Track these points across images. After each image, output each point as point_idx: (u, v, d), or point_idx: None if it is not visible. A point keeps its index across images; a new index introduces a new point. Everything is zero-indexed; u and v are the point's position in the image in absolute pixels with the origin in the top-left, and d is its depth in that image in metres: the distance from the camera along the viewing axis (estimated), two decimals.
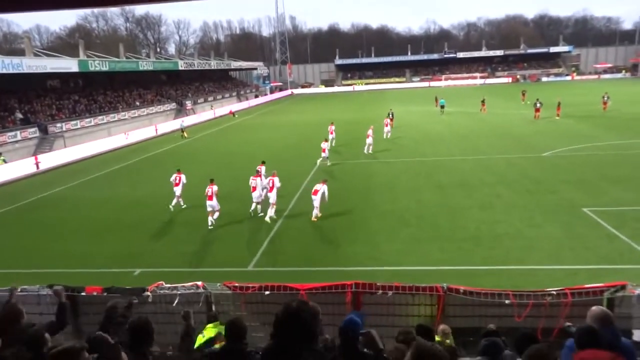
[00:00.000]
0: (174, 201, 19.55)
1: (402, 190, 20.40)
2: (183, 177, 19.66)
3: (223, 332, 6.60)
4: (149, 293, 7.40)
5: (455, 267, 12.44)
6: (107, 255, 14.71)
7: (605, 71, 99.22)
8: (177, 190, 19.52)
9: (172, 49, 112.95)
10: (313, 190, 17.19)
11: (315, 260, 13.56)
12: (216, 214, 17.14)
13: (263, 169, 20.00)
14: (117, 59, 52.52)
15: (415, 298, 7.59)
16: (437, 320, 7.41)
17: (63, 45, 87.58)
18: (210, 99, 70.60)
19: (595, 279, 9.24)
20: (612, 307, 7.26)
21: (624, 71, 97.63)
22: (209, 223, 16.92)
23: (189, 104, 61.36)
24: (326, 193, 17.01)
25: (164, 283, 7.63)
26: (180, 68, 65.78)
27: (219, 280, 8.36)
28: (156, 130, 46.62)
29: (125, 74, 54.47)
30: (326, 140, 27.25)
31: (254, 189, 17.82)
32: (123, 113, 47.48)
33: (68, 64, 42.15)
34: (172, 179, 19.90)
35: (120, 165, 30.94)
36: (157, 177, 26.39)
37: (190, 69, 69.81)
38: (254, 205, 17.98)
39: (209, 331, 6.32)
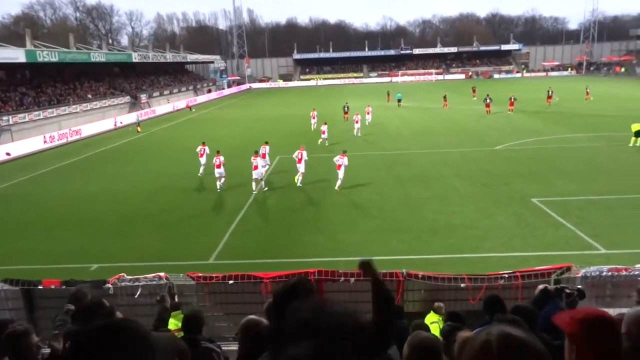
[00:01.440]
0: (201, 170, 22.94)
1: (363, 183, 20.72)
2: (207, 148, 23.17)
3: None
4: (109, 285, 7.31)
5: (413, 257, 12.81)
6: (61, 252, 14.28)
7: (552, 69, 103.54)
8: (202, 160, 23.09)
9: (124, 40, 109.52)
10: (337, 165, 19.60)
11: (277, 251, 13.64)
12: (222, 180, 20.32)
13: (267, 148, 23.15)
14: (67, 50, 50.45)
15: None
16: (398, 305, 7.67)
17: (7, 34, 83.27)
18: (166, 92, 69.02)
19: (543, 265, 9.74)
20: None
21: (569, 69, 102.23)
22: (218, 188, 20.22)
23: (143, 97, 59.80)
24: (346, 163, 19.57)
25: (125, 275, 7.56)
26: (134, 60, 63.90)
27: (180, 273, 8.35)
28: (115, 123, 45.44)
29: (75, 66, 52.44)
30: (325, 124, 31.01)
31: (255, 167, 19.63)
32: (74, 106, 45.75)
33: (14, 54, 40.16)
34: (197, 149, 23.56)
35: (72, 160, 29.89)
36: (110, 171, 25.74)
37: (145, 61, 67.96)
38: (254, 184, 19.86)
39: (174, 319, 6.32)
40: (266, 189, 20.23)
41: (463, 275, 7.80)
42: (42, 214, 18.52)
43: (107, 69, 61.40)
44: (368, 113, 37.91)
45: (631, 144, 25.50)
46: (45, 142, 35.49)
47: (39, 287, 7.45)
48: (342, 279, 7.82)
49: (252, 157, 19.84)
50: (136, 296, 7.32)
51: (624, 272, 7.67)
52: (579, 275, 7.65)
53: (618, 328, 2.27)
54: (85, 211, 18.51)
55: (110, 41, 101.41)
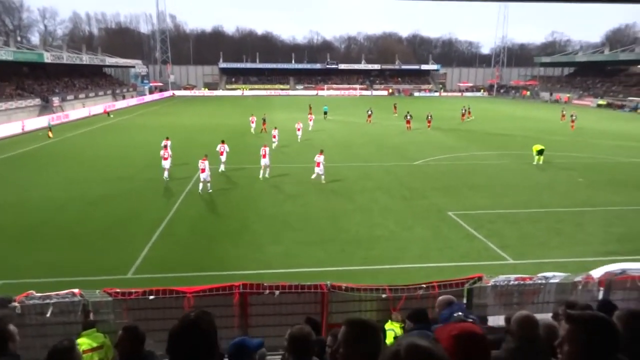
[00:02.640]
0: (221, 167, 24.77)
1: (287, 195, 20.82)
2: (226, 146, 25.32)
3: (105, 341, 6.29)
4: (16, 304, 6.75)
5: (337, 268, 13.07)
6: None
7: (467, 89, 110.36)
8: (223, 157, 25.09)
9: (35, 38, 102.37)
10: (316, 163, 22.87)
11: (199, 265, 13.34)
12: (222, 166, 24.57)
13: (226, 146, 25.37)
14: None
15: (300, 296, 7.90)
16: (323, 317, 7.79)
17: None
18: (81, 96, 65.30)
19: (457, 275, 10.32)
20: (470, 297, 8.29)
21: (482, 90, 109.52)
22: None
23: (56, 100, 56.14)
24: (323, 161, 22.99)
25: (34, 292, 7.02)
26: (46, 60, 59.88)
27: (96, 289, 7.90)
28: (23, 127, 42.30)
29: None
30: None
31: (203, 170, 20.73)
32: None
33: None
34: (217, 148, 25.12)
35: None
36: (16, 179, 23.84)
37: (59, 62, 63.92)
38: (201, 185, 20.99)
39: (87, 339, 5.98)
40: (211, 190, 21.17)
41: (384, 286, 8.08)
42: None
43: (15, 69, 57.08)
44: (299, 130, 36.91)
45: (535, 162, 27.76)
46: None
47: None
48: (267, 291, 7.80)
49: (200, 160, 20.84)
50: (47, 315, 6.82)
51: (529, 281, 8.33)
52: (490, 284, 8.19)
53: (487, 345, 2.54)
54: None
55: (19, 38, 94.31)
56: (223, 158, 25.13)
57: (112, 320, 7.36)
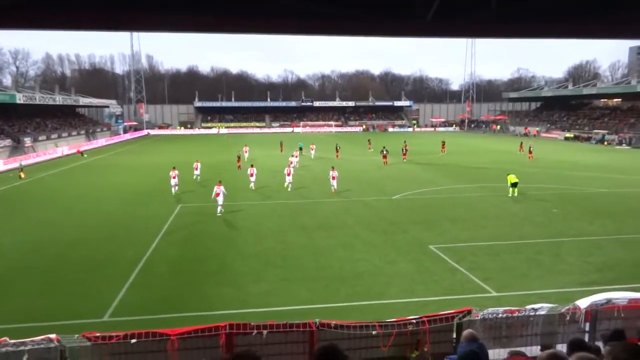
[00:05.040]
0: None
1: (266, 233, 20.57)
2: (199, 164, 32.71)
3: None
4: None
5: (322, 305, 12.83)
6: None
7: (440, 124, 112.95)
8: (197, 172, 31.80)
9: (7, 80, 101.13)
10: (331, 177, 29.62)
11: (180, 305, 12.93)
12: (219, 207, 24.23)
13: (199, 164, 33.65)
14: None
15: (288, 335, 7.67)
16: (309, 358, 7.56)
17: None
18: (54, 136, 64.25)
19: (443, 308, 10.24)
20: (460, 331, 8.18)
21: (454, 125, 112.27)
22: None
23: (28, 140, 55.10)
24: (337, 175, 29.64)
25: (8, 339, 6.64)
26: (18, 101, 58.97)
27: (74, 334, 7.53)
28: None
29: None
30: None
31: (217, 194, 23.88)
32: None
33: None
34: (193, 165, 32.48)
35: None
36: None
37: (31, 102, 63.07)
38: (219, 208, 23.91)
39: None
40: (223, 211, 23.96)
41: (374, 322, 7.92)
42: None
43: None
44: (289, 174, 32.63)
45: (510, 195, 28.25)
46: None
47: None
48: (255, 331, 7.56)
49: (216, 186, 24.25)
50: None
51: (517, 314, 8.29)
52: (479, 317, 8.12)
53: None
54: None
55: None
56: (197, 172, 34.06)
57: None
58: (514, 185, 28.32)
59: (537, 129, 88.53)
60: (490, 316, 8.38)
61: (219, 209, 23.94)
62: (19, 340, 6.74)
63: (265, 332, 7.66)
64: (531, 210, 24.82)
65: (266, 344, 7.67)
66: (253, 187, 30.84)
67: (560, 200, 26.94)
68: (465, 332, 6.03)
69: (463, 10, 7.30)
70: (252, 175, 31.16)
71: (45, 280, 15.00)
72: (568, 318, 8.42)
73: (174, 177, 28.95)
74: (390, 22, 7.48)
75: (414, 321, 8.09)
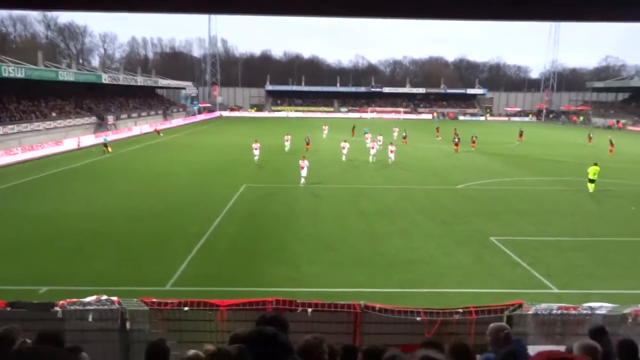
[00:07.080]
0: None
1: (325, 216, 20.80)
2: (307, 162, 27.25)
3: None
4: (58, 309, 7.02)
5: (373, 289, 12.87)
6: (7, 274, 13.66)
7: (515, 114, 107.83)
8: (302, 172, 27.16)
9: (95, 61, 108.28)
10: (300, 167, 26.74)
11: (235, 280, 13.46)
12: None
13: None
14: (34, 67, 49.53)
15: (333, 315, 7.81)
16: (356, 337, 7.67)
17: None
18: (134, 115, 68.23)
19: (499, 302, 9.95)
20: (510, 325, 7.93)
21: (530, 115, 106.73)
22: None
23: (110, 118, 58.87)
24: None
25: (104, 296, 7.32)
26: (103, 81, 63.15)
27: (134, 298, 8.10)
28: (78, 143, 44.70)
29: (42, 83, 51.33)
30: (346, 141, 38.25)
31: (302, 168, 26.38)
32: (37, 123, 44.67)
33: None
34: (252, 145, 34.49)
35: (32, 178, 28.94)
36: (71, 191, 25.04)
37: (115, 83, 67.24)
38: (302, 180, 26.54)
39: None
40: (305, 183, 26.61)
41: (419, 309, 7.87)
42: None
43: (75, 88, 60.39)
44: (344, 148, 37.73)
45: (591, 190, 26.25)
46: (4, 157, 34.44)
47: None
48: (300, 309, 7.77)
49: (300, 160, 26.96)
50: (89, 321, 7.06)
51: (573, 311, 7.91)
52: (530, 312, 7.84)
53: None
54: (43, 231, 17.89)
55: (80, 61, 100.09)
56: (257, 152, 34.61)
57: (147, 330, 7.52)
58: (592, 181, 26.34)
59: (623, 121, 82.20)
60: (543, 312, 8.07)
61: (302, 180, 26.46)
62: (85, 300, 7.38)
63: (310, 310, 7.85)
64: (606, 206, 23.28)
65: (311, 322, 7.86)
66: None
67: None
68: (495, 330, 5.18)
69: None
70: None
71: (118, 247, 16.13)
72: (630, 320, 7.93)
73: (256, 149, 34.08)
74: None
75: (461, 311, 7.96)
